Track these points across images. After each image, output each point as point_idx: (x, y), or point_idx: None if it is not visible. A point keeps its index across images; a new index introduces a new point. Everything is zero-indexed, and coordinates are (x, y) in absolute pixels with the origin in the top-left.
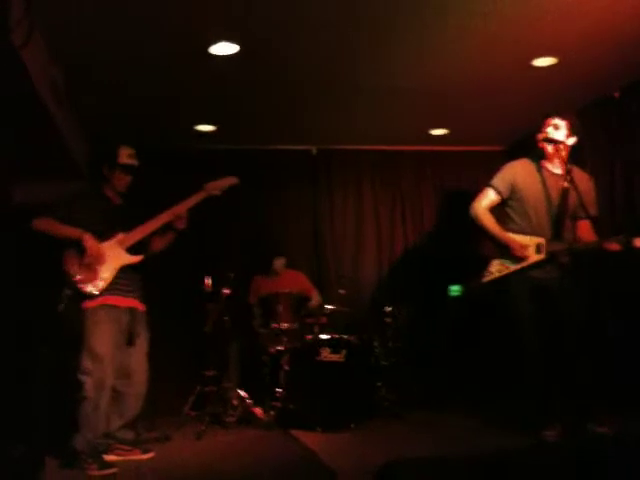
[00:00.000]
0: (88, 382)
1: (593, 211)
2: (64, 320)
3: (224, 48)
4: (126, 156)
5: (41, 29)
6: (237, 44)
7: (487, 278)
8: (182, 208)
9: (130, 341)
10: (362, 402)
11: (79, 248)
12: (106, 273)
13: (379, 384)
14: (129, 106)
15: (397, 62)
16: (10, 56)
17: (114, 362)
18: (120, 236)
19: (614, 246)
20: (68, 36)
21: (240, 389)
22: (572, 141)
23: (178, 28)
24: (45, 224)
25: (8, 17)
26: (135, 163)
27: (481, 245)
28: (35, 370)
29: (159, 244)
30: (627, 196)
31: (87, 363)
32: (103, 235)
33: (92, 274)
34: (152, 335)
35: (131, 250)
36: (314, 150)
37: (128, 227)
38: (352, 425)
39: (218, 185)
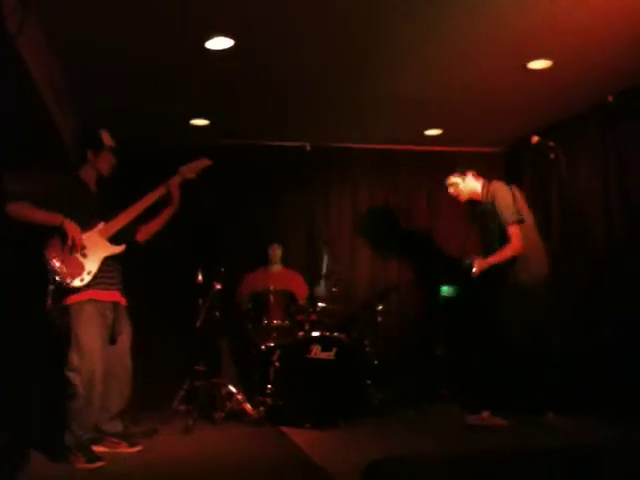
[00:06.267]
0: (77, 379)
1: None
2: (50, 316)
3: (220, 42)
4: (109, 138)
5: (39, 23)
6: (232, 38)
7: None
8: (159, 193)
9: (112, 340)
10: (351, 400)
11: (61, 237)
12: (91, 266)
13: (369, 382)
14: (124, 99)
15: (393, 63)
16: (4, 43)
17: (103, 357)
18: (101, 226)
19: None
20: (65, 30)
21: (235, 384)
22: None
23: (175, 23)
24: (21, 209)
25: (1, 6)
26: (115, 144)
27: (473, 245)
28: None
29: (145, 233)
30: (621, 199)
31: (75, 359)
32: (84, 225)
33: (77, 267)
34: (143, 329)
35: (112, 240)
36: (308, 146)
37: (106, 216)
38: (341, 423)
39: (192, 168)
